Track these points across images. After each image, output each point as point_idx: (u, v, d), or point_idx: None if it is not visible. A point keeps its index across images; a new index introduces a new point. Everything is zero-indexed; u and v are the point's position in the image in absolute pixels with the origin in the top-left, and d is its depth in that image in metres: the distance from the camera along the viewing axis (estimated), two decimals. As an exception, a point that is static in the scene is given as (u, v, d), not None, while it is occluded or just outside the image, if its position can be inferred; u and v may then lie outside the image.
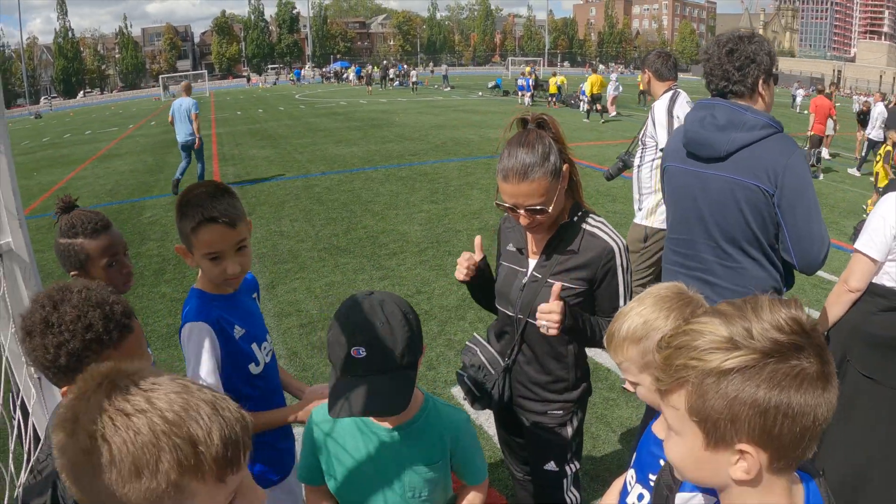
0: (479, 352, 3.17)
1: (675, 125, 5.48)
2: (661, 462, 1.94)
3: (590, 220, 2.97)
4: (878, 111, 19.60)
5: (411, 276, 9.02)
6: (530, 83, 39.77)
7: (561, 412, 3.10)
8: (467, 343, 3.26)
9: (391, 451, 2.25)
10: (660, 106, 5.83)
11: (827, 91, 23.25)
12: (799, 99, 45.08)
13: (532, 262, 3.02)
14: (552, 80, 38.78)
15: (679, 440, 1.43)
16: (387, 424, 2.24)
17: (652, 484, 1.96)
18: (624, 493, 2.24)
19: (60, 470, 1.17)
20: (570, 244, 2.92)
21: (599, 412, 5.51)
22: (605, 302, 2.96)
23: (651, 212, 6.01)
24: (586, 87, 31.63)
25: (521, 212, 2.77)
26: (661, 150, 5.15)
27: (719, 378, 1.30)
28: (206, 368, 2.59)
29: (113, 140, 30.09)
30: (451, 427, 2.33)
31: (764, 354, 1.28)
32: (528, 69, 45.38)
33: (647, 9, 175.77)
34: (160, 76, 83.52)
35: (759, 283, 3.28)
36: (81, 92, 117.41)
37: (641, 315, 1.99)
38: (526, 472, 3.43)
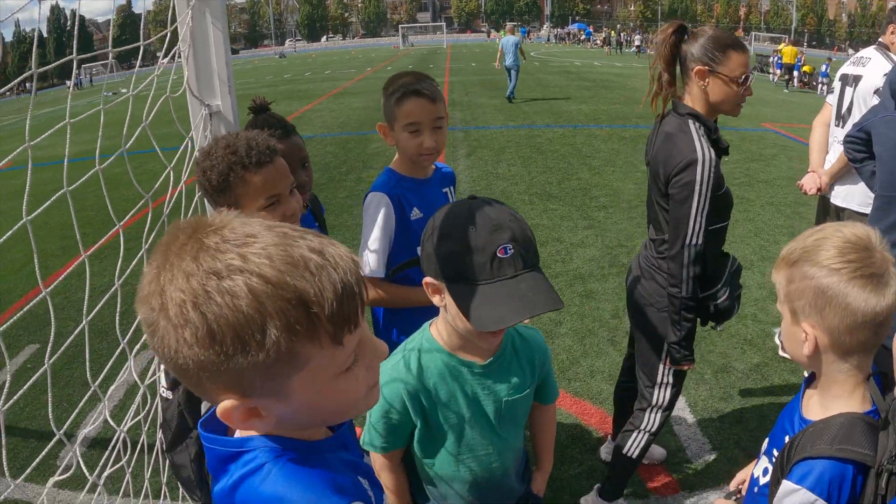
0: None
1: None
2: (787, 439, 1.85)
3: None
4: None
5: (616, 229, 8.91)
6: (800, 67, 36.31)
7: None
8: None
9: (487, 387, 2.13)
10: None
11: None
12: None
13: None
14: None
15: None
16: (478, 360, 2.09)
17: (774, 461, 1.88)
18: (757, 459, 2.15)
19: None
20: None
21: (776, 392, 5.24)
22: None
23: None
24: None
25: (752, 77, 3.02)
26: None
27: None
28: (374, 236, 2.77)
29: (350, 80, 31.36)
30: (539, 350, 2.29)
31: None
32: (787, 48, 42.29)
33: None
34: (399, 26, 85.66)
35: None
36: (324, 37, 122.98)
37: (814, 243, 1.77)
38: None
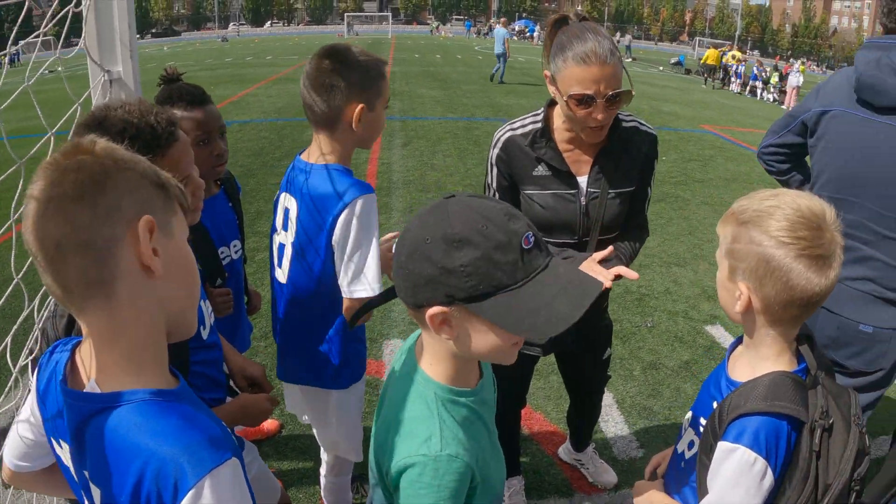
0: None
1: None
2: (715, 405, 1.82)
3: (621, 117, 2.86)
4: None
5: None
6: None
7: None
8: None
9: (484, 412, 1.75)
10: None
11: None
12: None
13: (583, 179, 2.84)
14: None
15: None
16: (469, 385, 1.68)
17: (702, 430, 1.85)
18: (678, 437, 2.10)
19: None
20: (619, 145, 2.83)
21: (694, 369, 5.32)
22: (640, 195, 2.99)
23: None
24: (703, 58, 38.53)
25: (599, 102, 2.53)
26: None
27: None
28: (374, 249, 2.58)
29: (291, 67, 31.02)
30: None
31: None
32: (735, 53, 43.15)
33: (849, 6, 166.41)
34: (345, 14, 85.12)
35: None
36: (269, 22, 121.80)
37: (767, 209, 1.69)
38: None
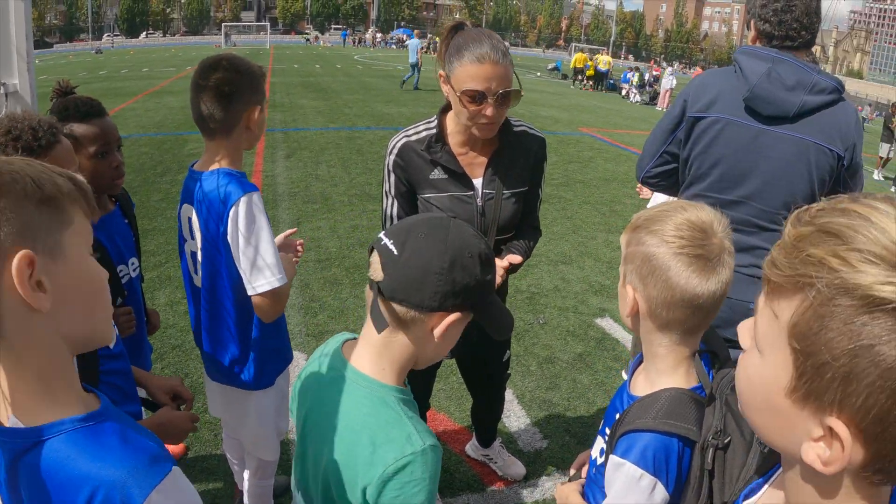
0: None
1: None
2: (617, 416, 1.83)
3: (511, 122, 3.02)
4: None
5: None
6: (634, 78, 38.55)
7: None
8: None
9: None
10: None
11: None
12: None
13: (478, 181, 2.97)
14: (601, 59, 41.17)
15: (760, 361, 0.99)
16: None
17: (607, 438, 1.87)
18: (593, 442, 2.12)
19: None
20: (510, 148, 2.99)
21: (601, 379, 5.44)
22: (532, 196, 3.16)
23: None
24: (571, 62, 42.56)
25: (490, 100, 2.69)
26: None
27: (861, 305, 0.81)
28: (267, 242, 2.61)
29: (168, 79, 30.27)
30: None
31: None
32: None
33: (719, 11, 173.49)
34: (223, 24, 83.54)
35: None
36: (144, 33, 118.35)
37: (658, 214, 1.74)
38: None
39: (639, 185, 5.23)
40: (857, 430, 0.84)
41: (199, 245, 2.73)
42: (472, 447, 4.27)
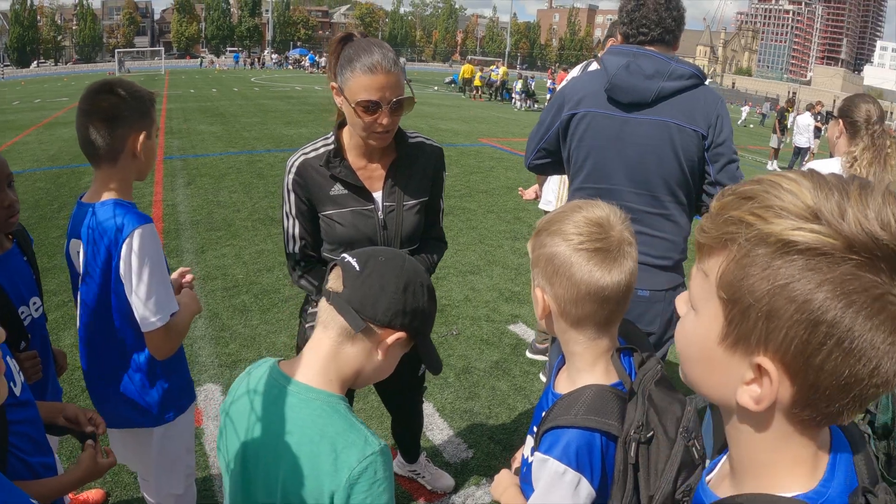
0: None
1: None
2: (543, 414, 1.87)
3: (407, 134, 3.09)
4: (806, 122, 20.88)
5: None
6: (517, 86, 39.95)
7: None
8: None
9: None
10: None
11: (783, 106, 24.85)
12: (745, 114, 49.70)
13: (378, 194, 3.02)
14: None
15: (695, 318, 1.09)
16: None
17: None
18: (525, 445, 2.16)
19: None
20: (408, 160, 3.05)
21: (519, 384, 5.52)
22: (434, 206, 3.22)
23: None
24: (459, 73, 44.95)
25: (385, 109, 2.73)
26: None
27: (776, 251, 0.93)
28: (160, 274, 2.56)
29: (62, 109, 29.38)
30: None
31: (849, 246, 0.89)
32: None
33: (610, 18, 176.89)
34: (116, 51, 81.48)
35: (685, 232, 3.22)
36: (35, 62, 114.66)
37: (557, 216, 1.81)
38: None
39: (520, 188, 5.52)
40: (781, 365, 0.95)
41: (89, 280, 2.63)
42: (398, 464, 4.25)
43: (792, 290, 0.91)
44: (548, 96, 34.31)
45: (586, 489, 1.69)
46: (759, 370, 0.97)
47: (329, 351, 1.75)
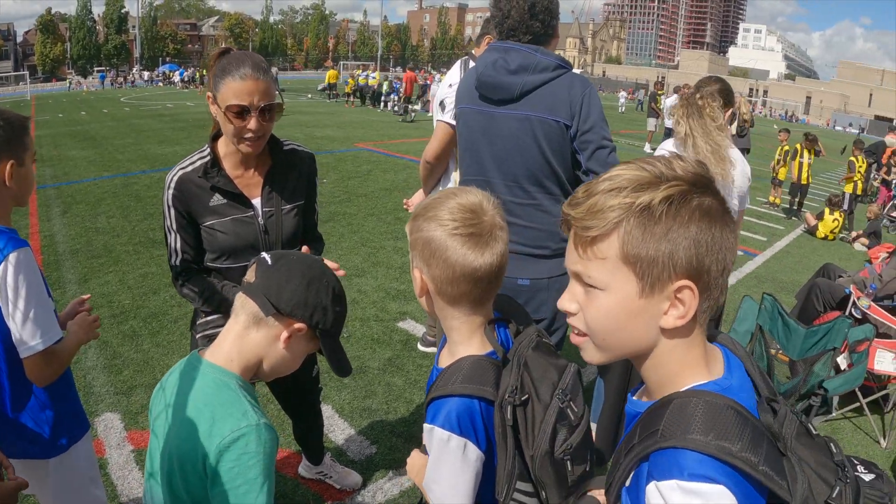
0: None
1: None
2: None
3: (281, 142, 3.25)
4: (673, 103, 21.61)
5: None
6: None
7: None
8: None
9: None
10: None
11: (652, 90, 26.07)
12: (622, 101, 51.36)
13: (256, 200, 3.13)
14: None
15: (607, 295, 1.32)
16: None
17: None
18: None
19: None
20: (283, 166, 3.20)
21: (413, 378, 5.72)
22: (310, 209, 3.38)
23: None
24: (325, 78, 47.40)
25: (253, 114, 2.86)
26: None
27: (653, 212, 1.24)
28: (40, 297, 2.49)
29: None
30: None
31: (692, 184, 1.26)
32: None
33: (480, 16, 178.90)
34: (-24, 78, 77.73)
35: (558, 220, 3.36)
36: None
37: (433, 202, 1.92)
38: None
39: (405, 200, 5.53)
40: (688, 278, 1.26)
41: None
42: (304, 468, 4.34)
43: (678, 227, 1.23)
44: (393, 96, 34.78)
45: (474, 452, 1.80)
46: (676, 294, 1.26)
47: (235, 335, 1.95)
